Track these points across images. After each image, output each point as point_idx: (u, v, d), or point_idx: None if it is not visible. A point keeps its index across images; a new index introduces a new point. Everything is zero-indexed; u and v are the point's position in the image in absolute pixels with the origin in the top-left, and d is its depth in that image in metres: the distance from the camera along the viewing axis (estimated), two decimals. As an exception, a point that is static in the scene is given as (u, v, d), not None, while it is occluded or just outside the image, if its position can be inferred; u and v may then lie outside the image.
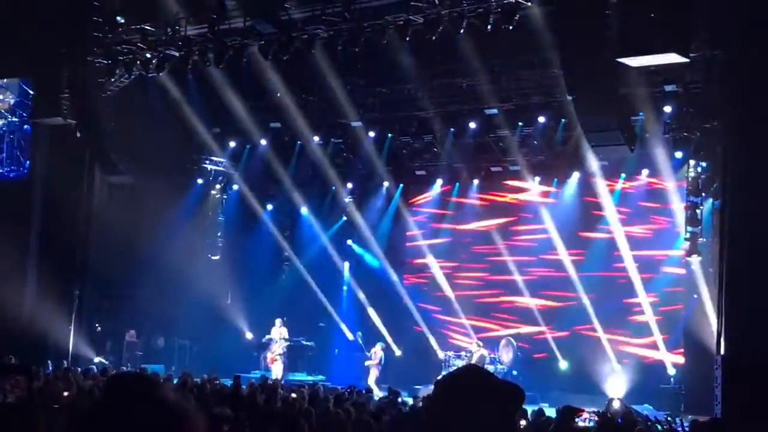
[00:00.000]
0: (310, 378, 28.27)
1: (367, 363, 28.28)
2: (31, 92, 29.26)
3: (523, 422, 13.87)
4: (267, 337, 29.26)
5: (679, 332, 26.40)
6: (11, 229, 28.28)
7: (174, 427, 2.22)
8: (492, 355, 27.58)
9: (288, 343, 29.14)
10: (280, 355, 28.61)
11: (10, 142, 29.94)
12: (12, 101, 30.00)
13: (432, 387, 3.07)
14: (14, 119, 29.93)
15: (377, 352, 28.26)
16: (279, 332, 28.90)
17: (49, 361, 22.94)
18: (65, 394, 15.32)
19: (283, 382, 24.45)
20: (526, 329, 29.06)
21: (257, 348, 30.51)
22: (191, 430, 2.24)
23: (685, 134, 24.00)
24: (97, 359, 27.90)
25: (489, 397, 2.89)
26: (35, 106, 29.09)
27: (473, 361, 26.30)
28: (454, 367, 26.34)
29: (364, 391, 20.20)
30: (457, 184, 31.24)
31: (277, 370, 28.08)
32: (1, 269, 27.00)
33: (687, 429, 16.19)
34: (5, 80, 30.10)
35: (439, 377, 3.06)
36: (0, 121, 30.14)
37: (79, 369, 22.96)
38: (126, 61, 27.29)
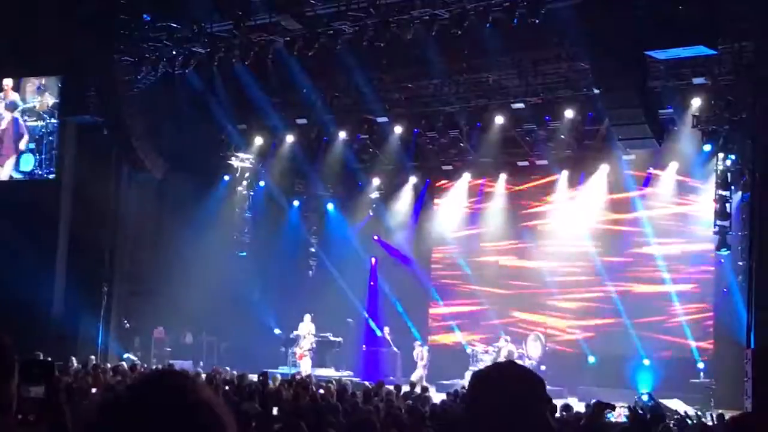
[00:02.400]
0: (337, 374, 28.27)
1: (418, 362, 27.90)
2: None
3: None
4: (294, 333, 29.31)
5: (708, 326, 26.24)
6: (41, 227, 28.49)
7: (204, 423, 2.19)
8: (520, 350, 27.51)
9: (315, 338, 29.15)
10: (308, 351, 28.63)
11: (49, 143, 29.91)
12: (51, 102, 29.95)
13: (464, 381, 3.05)
14: (53, 120, 29.86)
15: (421, 352, 27.89)
16: (307, 328, 28.92)
17: (73, 357, 23.04)
18: (93, 390, 15.38)
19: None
20: (553, 323, 28.96)
21: (285, 344, 30.55)
22: (221, 425, 2.21)
23: (714, 127, 23.84)
24: (125, 356, 28.05)
25: (528, 392, 2.86)
26: (63, 105, 29.24)
27: (501, 356, 26.25)
28: (482, 362, 26.34)
29: (392, 387, 20.16)
30: (484, 178, 31.17)
31: (305, 366, 28.11)
32: (31, 267, 27.20)
33: (716, 422, 16.09)
34: (44, 80, 30.13)
35: (477, 370, 3.02)
36: (39, 123, 30.14)
37: (109, 365, 23.07)
38: (152, 59, 27.38)
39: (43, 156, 29.91)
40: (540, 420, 2.88)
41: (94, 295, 28.37)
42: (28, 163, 30.10)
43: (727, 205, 23.63)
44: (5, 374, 3.35)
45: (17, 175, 30.15)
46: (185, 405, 2.19)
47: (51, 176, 29.73)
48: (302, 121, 30.49)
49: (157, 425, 2.15)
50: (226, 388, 17.42)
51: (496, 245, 30.99)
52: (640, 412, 16.55)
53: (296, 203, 33.54)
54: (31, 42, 27.80)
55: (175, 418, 2.16)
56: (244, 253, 32.67)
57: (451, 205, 32.12)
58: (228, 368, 23.32)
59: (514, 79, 26.91)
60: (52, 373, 3.75)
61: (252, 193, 33.62)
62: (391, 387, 19.98)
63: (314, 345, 28.85)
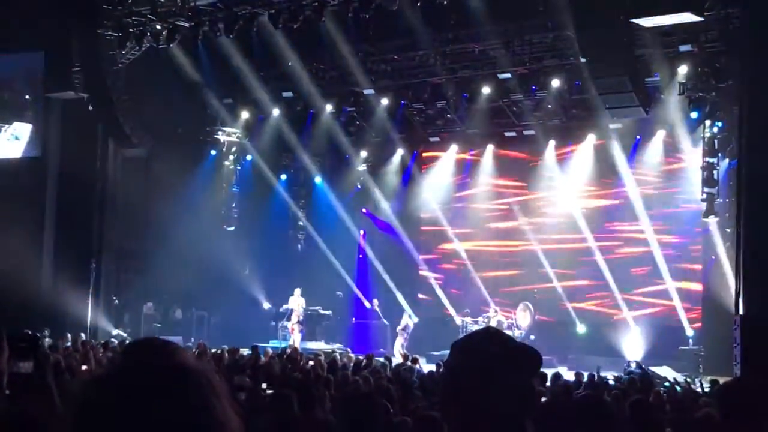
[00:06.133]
0: (327, 347, 28.30)
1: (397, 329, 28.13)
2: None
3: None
4: (285, 306, 29.31)
5: (697, 293, 26.32)
6: (27, 204, 28.39)
7: (196, 391, 2.14)
8: (509, 320, 27.57)
9: (304, 312, 29.13)
10: (297, 324, 28.66)
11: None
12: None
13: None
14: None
15: (404, 320, 28.10)
16: (298, 302, 28.92)
17: (68, 335, 22.98)
18: (84, 367, 15.32)
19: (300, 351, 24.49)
20: (543, 293, 28.97)
21: (275, 318, 30.57)
22: (215, 395, 2.16)
23: (701, 94, 23.82)
24: (115, 332, 28.03)
25: (507, 359, 2.85)
26: (47, 81, 29.07)
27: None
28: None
29: (383, 359, 20.20)
30: (471, 149, 31.14)
31: (296, 339, 28.15)
32: (19, 245, 27.10)
33: (707, 390, 16.17)
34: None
35: (456, 340, 3.01)
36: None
37: (99, 342, 23.02)
38: (136, 33, 27.22)
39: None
40: (518, 381, 2.87)
41: (83, 272, 28.31)
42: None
43: (715, 172, 23.68)
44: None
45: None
46: (182, 372, 2.14)
47: (31, 153, 29.63)
48: (288, 94, 30.38)
49: (154, 392, 2.10)
50: (216, 362, 17.39)
51: (483, 216, 31.03)
52: (630, 379, 16.60)
53: (284, 177, 33.49)
54: (8, 18, 27.53)
55: (173, 385, 2.11)
56: (233, 228, 32.64)
57: (439, 176, 32.08)
58: (218, 343, 23.33)
59: (501, 49, 26.80)
60: (38, 347, 3.71)
61: (239, 168, 33.54)
62: (382, 359, 20.03)
63: (301, 318, 28.85)
